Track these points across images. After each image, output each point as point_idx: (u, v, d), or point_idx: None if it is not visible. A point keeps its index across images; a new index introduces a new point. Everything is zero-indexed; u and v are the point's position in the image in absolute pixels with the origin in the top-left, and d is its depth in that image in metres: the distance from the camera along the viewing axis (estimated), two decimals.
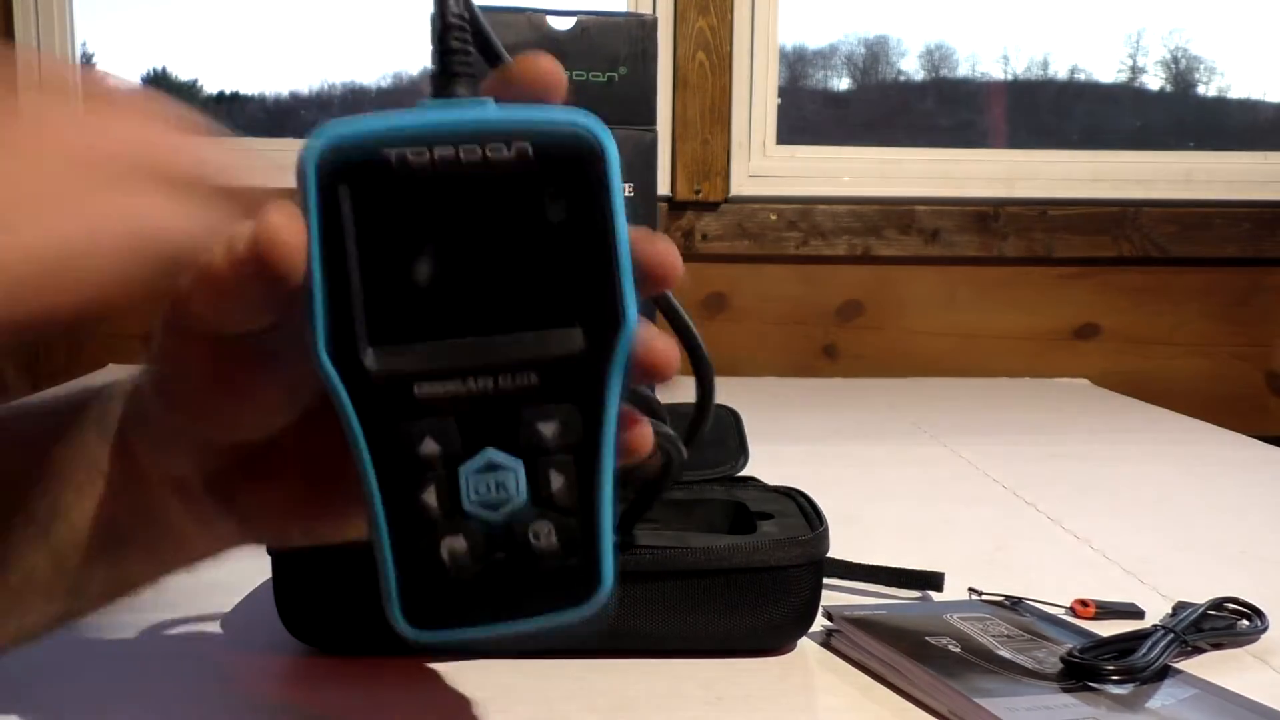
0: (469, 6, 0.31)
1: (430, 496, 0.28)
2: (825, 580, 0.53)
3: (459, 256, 0.28)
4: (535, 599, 0.29)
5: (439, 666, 0.50)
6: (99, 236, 0.29)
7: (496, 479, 0.28)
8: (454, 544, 0.28)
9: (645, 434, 0.31)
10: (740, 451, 0.64)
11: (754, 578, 0.51)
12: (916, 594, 0.61)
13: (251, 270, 0.28)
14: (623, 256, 0.28)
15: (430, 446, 0.28)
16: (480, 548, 0.28)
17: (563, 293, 0.29)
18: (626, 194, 0.61)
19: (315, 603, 0.52)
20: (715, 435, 0.59)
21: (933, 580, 0.60)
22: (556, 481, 0.28)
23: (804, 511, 0.57)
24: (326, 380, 0.28)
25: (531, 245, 0.28)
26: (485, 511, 0.28)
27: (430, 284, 0.28)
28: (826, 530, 0.53)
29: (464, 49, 0.29)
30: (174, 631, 0.55)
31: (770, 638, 0.53)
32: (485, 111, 0.28)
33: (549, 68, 0.30)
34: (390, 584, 0.28)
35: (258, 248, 0.28)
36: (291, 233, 0.28)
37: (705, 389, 0.42)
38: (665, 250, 0.30)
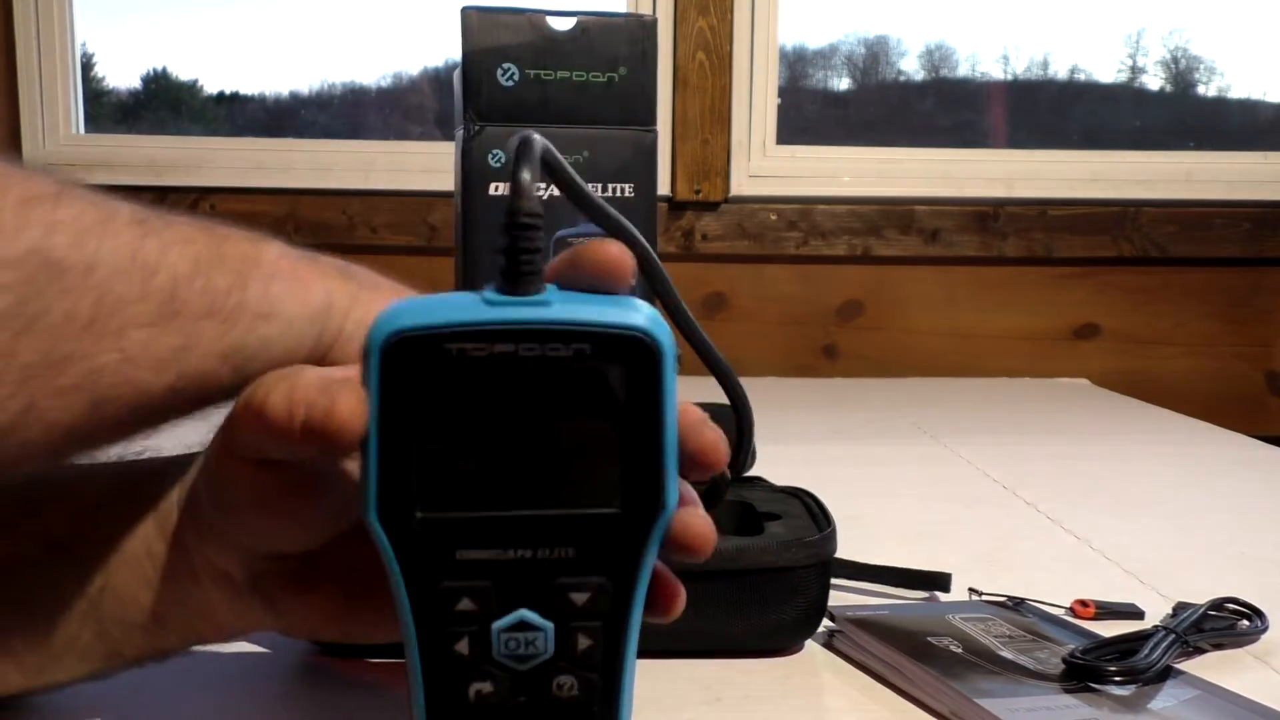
0: (554, 166, 0.32)
1: (463, 647, 0.31)
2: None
3: (510, 436, 0.30)
4: None
5: None
6: None
7: (526, 637, 0.31)
8: (481, 687, 0.31)
9: (679, 603, 0.34)
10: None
11: (762, 579, 0.51)
12: (922, 594, 0.61)
13: (309, 433, 0.30)
14: (669, 449, 0.30)
15: (467, 604, 0.30)
16: (505, 692, 0.31)
17: (607, 476, 0.30)
18: (627, 194, 0.61)
19: None
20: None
21: (940, 581, 0.60)
22: (584, 643, 0.31)
23: (811, 512, 0.57)
24: (375, 539, 0.30)
25: (581, 431, 0.30)
26: (513, 662, 0.31)
27: (480, 459, 0.30)
28: (834, 531, 0.53)
29: (532, 248, 0.30)
30: None
31: (778, 639, 0.53)
32: (547, 311, 0.29)
33: (616, 255, 0.31)
34: (419, 713, 0.31)
35: (320, 422, 0.29)
36: (355, 417, 0.29)
37: (742, 419, 0.44)
38: (714, 441, 0.32)
